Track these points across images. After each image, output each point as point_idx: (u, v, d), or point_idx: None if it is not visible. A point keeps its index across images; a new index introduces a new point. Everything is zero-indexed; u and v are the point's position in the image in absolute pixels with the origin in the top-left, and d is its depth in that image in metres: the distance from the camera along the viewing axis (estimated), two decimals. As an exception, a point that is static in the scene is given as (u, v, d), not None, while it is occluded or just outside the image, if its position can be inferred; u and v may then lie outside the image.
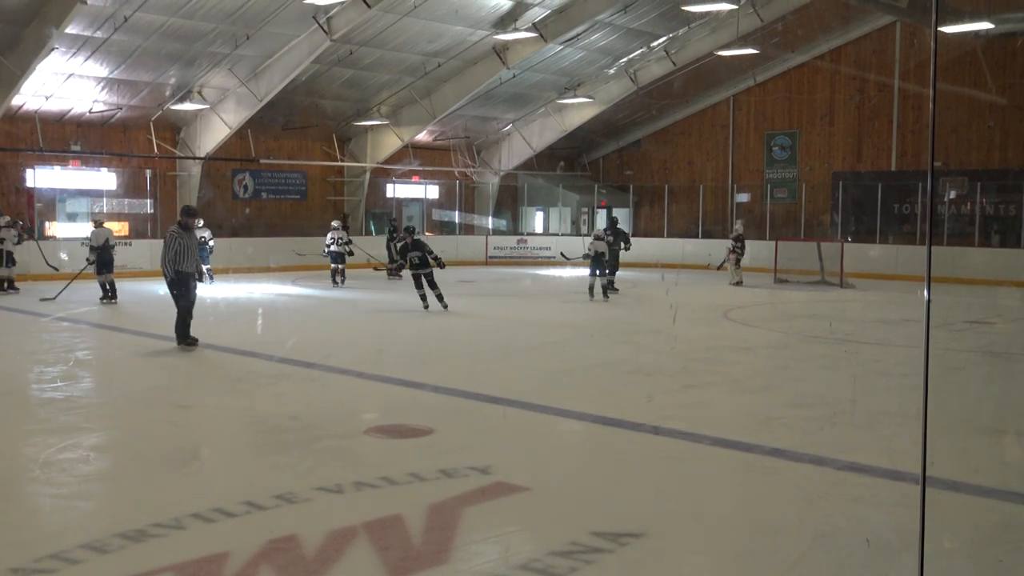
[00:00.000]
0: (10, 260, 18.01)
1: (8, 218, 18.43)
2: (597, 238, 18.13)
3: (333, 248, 20.20)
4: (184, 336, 11.39)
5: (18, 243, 18.15)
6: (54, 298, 16.63)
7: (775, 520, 5.40)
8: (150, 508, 5.44)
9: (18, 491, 5.99)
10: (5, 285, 17.99)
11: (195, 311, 11.53)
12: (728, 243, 21.92)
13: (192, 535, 5.01)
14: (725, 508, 5.70)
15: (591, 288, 17.76)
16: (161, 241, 24.06)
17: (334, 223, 20.86)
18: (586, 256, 18.11)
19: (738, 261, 21.34)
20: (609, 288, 18.22)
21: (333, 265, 20.24)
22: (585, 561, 4.68)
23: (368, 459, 6.65)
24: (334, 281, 20.13)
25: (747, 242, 22.09)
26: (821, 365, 10.83)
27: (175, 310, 11.42)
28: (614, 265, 19.17)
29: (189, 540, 4.94)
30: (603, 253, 17.83)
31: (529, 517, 5.43)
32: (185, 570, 4.54)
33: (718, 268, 22.88)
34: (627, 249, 20.49)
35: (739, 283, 21.08)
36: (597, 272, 17.75)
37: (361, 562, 4.71)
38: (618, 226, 21.04)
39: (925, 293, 3.29)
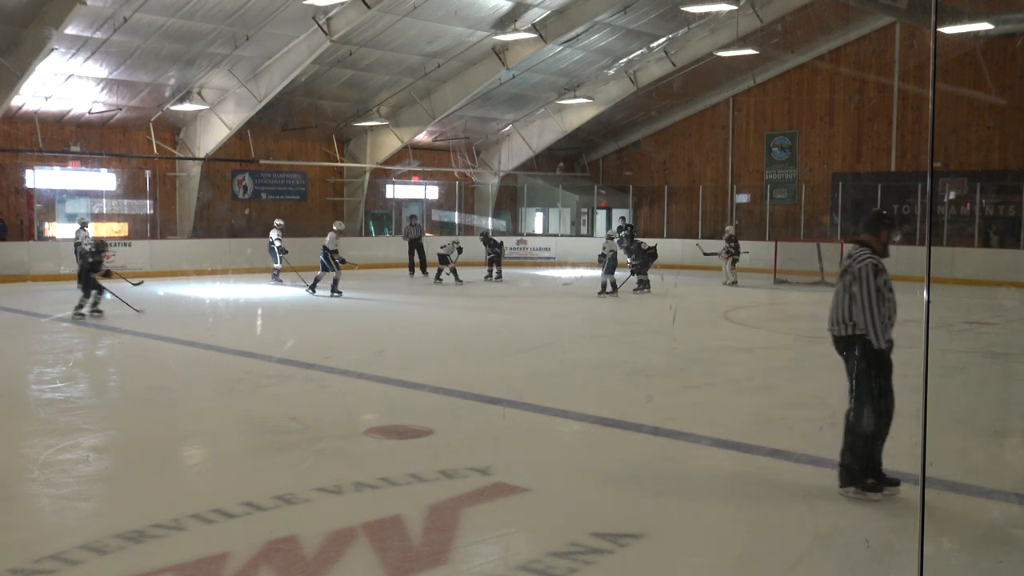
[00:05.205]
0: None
1: None
2: (610, 238, 19.54)
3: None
4: (870, 471, 5.87)
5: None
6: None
7: (775, 520, 5.40)
8: (150, 508, 5.44)
9: (18, 492, 5.98)
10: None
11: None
12: (721, 244, 21.99)
13: (192, 536, 5.01)
14: (725, 508, 5.69)
15: (603, 286, 18.73)
16: (159, 241, 24.11)
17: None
18: (602, 257, 19.04)
19: (734, 262, 21.35)
20: (643, 288, 19.27)
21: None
22: (585, 562, 4.68)
23: (368, 459, 6.65)
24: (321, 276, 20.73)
25: (746, 243, 22.10)
26: (821, 365, 10.78)
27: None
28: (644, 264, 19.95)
29: (189, 541, 4.94)
30: (616, 254, 19.07)
31: (529, 518, 5.43)
32: (185, 571, 4.54)
33: (706, 253, 22.66)
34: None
35: (734, 283, 21.08)
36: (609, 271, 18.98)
37: (361, 563, 4.71)
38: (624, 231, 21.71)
39: (925, 293, 3.29)
